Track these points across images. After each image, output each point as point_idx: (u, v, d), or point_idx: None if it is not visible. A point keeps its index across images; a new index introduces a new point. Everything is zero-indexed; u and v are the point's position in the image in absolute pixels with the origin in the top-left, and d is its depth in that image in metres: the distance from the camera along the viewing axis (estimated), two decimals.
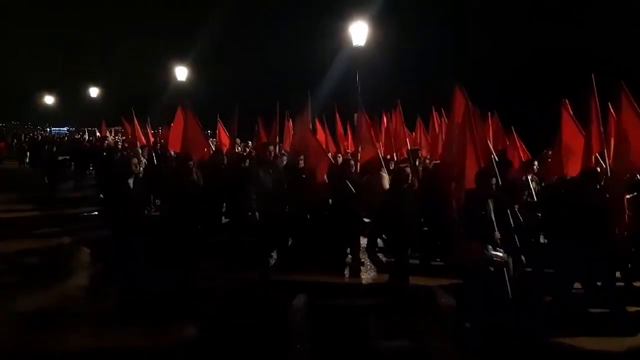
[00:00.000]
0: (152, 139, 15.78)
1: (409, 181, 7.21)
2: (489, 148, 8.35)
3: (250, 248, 8.97)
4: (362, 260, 9.13)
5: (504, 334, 5.87)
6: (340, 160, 10.12)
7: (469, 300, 6.19)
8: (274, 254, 8.56)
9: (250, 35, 46.63)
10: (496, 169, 6.84)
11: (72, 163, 19.84)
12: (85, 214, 13.89)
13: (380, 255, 9.66)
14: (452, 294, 7.07)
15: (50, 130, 49.77)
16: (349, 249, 9.11)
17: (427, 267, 8.56)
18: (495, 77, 32.02)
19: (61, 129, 52.03)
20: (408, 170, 7.24)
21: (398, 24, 33.44)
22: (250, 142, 17.19)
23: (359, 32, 18.38)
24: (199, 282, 7.89)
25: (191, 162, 9.27)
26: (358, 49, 18.80)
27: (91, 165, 19.60)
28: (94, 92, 44.62)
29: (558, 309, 6.67)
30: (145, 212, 8.31)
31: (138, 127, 15.97)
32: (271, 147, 8.57)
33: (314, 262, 8.93)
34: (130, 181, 7.87)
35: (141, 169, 8.34)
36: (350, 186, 9.16)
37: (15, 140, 33.26)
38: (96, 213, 13.70)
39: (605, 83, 7.86)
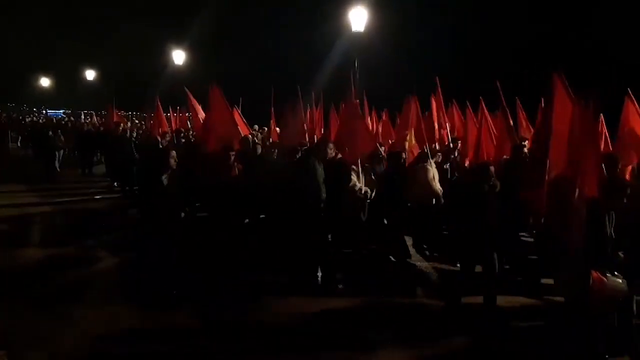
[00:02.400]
0: (175, 125, 14.50)
1: (492, 181, 6.05)
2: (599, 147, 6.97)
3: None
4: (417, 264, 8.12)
5: None
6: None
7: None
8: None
9: (249, 19, 45.05)
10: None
11: (76, 150, 18.60)
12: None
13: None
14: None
15: (47, 113, 47.94)
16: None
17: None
18: (493, 62, 31.31)
19: (57, 111, 50.16)
20: (492, 168, 6.12)
21: (398, 10, 32.40)
22: (265, 129, 16.10)
23: (358, 17, 17.55)
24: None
25: (232, 153, 8.21)
26: (357, 34, 18.00)
27: (99, 152, 18.23)
28: (90, 74, 43.08)
29: None
30: (183, 214, 7.08)
31: (161, 112, 14.71)
32: (332, 145, 7.48)
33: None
34: (165, 178, 6.72)
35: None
36: (400, 181, 8.28)
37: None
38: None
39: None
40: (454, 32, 35.11)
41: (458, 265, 7.36)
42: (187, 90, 12.80)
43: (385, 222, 9.13)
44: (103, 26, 47.78)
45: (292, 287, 6.92)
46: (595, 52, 26.30)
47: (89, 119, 25.86)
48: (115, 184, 14.54)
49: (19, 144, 26.73)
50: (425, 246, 8.57)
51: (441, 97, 10.00)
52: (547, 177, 6.06)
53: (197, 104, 12.80)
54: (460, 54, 32.95)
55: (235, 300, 6.48)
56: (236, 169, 8.34)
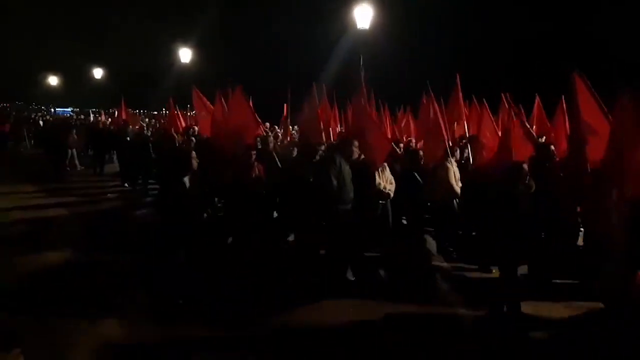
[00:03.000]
0: (183, 124, 14.35)
1: (528, 180, 5.84)
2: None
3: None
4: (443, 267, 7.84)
5: None
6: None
7: None
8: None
9: (254, 16, 44.86)
10: None
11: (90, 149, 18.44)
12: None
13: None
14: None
15: (55, 111, 47.94)
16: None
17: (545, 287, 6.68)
18: (496, 60, 31.08)
19: (65, 109, 50.13)
20: (526, 167, 5.94)
21: (402, 7, 32.20)
22: (275, 127, 15.98)
23: (363, 15, 17.52)
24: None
25: (254, 152, 8.08)
26: (362, 31, 17.97)
27: (113, 151, 18.01)
28: (97, 73, 43.04)
29: None
30: (205, 215, 6.95)
31: (175, 111, 14.52)
32: (357, 143, 7.30)
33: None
34: (187, 179, 6.58)
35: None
36: (419, 179, 8.23)
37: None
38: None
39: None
40: (456, 29, 34.89)
41: (491, 269, 7.28)
42: (196, 88, 12.66)
43: (405, 221, 9.10)
44: (110, 25, 47.61)
45: (310, 291, 6.70)
46: (596, 50, 26.07)
47: (100, 117, 25.44)
48: (126, 184, 14.36)
49: (31, 143, 26.41)
50: (451, 248, 8.27)
51: (460, 94, 9.77)
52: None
53: (207, 102, 12.63)
54: (463, 51, 32.71)
55: (249, 306, 6.29)
56: (257, 169, 8.24)
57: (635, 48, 22.80)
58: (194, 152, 6.86)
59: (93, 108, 44.21)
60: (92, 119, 32.06)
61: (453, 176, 7.96)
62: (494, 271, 7.19)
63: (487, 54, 30.77)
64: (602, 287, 5.16)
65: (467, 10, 34.58)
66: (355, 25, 18.04)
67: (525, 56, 29.93)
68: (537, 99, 11.60)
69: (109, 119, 24.54)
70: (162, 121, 20.43)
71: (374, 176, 7.54)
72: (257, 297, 6.50)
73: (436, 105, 8.77)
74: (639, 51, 22.68)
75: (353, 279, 6.92)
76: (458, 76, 9.82)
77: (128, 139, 13.99)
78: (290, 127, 15.18)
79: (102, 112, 24.92)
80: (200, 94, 12.66)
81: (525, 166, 5.94)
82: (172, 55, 33.56)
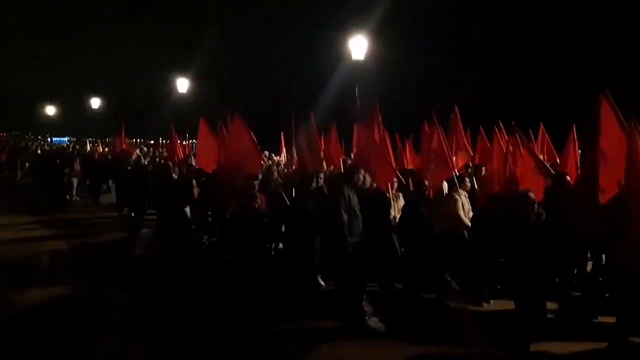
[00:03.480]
0: (182, 154, 14.15)
1: (537, 209, 5.61)
2: None
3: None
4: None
5: None
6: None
7: None
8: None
9: (249, 48, 45.18)
10: None
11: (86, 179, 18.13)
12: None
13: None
14: None
15: (52, 140, 47.68)
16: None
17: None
18: (497, 94, 31.09)
19: (62, 138, 49.89)
20: (532, 195, 5.79)
21: (397, 38, 32.47)
22: (273, 155, 15.85)
23: (358, 46, 17.26)
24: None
25: (256, 182, 7.89)
26: (357, 63, 17.66)
27: (110, 181, 17.74)
28: (95, 102, 42.95)
29: None
30: (205, 244, 6.73)
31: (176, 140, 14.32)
32: (363, 171, 7.12)
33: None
34: (187, 210, 6.37)
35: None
36: (424, 210, 7.85)
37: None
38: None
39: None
40: (453, 60, 35.17)
41: (483, 302, 7.09)
42: (203, 119, 12.47)
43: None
44: (108, 54, 47.79)
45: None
46: (595, 52, 26.16)
47: (98, 147, 25.13)
48: (126, 209, 13.99)
49: (24, 172, 26.07)
50: (449, 279, 8.00)
51: (460, 123, 9.73)
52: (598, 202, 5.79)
53: (213, 134, 12.43)
54: (460, 80, 32.90)
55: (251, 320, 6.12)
56: (259, 199, 8.03)
57: (635, 50, 22.90)
58: (194, 181, 6.69)
59: (90, 137, 43.97)
60: (88, 148, 31.76)
61: (462, 208, 7.73)
62: (485, 305, 7.15)
63: (486, 82, 30.87)
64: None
65: (464, 38, 34.93)
66: (350, 56, 17.98)
67: (523, 62, 29.98)
68: (542, 127, 11.43)
69: (106, 149, 24.32)
70: (160, 150, 20.17)
71: (389, 205, 7.32)
72: (258, 312, 6.41)
73: (441, 134, 8.63)
74: (638, 53, 22.82)
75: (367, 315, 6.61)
76: (457, 108, 9.76)
77: (130, 168, 13.70)
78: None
79: (100, 142, 24.48)
80: (207, 125, 12.45)
81: (532, 194, 5.79)
82: (169, 85, 33.66)
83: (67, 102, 47.85)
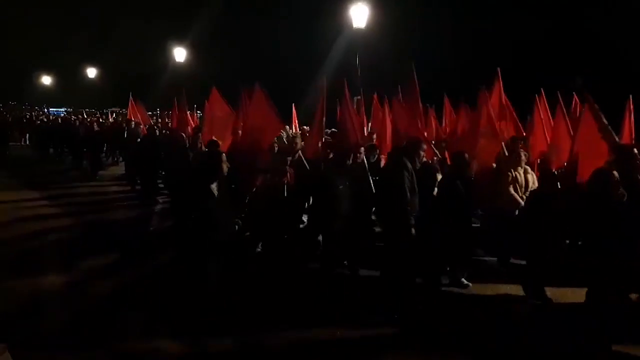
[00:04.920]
0: (192, 125, 13.13)
1: (621, 189, 4.86)
2: None
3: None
4: None
5: None
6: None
7: None
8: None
9: (248, 16, 43.54)
10: None
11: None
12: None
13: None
14: None
15: (49, 111, 46.18)
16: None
17: None
18: (497, 58, 30.10)
19: (59, 109, 48.37)
20: (616, 173, 4.96)
21: (399, 6, 31.24)
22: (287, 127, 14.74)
23: (359, 14, 17.02)
24: None
25: (290, 159, 7.05)
26: (358, 31, 17.43)
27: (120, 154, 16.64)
28: (91, 72, 41.58)
29: None
30: (236, 227, 5.88)
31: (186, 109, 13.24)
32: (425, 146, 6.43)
33: None
34: (214, 187, 5.57)
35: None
36: (462, 188, 6.71)
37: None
38: None
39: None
40: (455, 27, 33.90)
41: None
42: (215, 89, 11.46)
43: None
44: (104, 24, 45.96)
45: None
46: (604, 51, 25.32)
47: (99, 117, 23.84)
48: (137, 186, 13.08)
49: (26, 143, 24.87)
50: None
51: (502, 91, 8.68)
52: None
53: (226, 105, 11.42)
54: (462, 50, 31.83)
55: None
56: (288, 175, 7.21)
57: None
58: (224, 155, 5.77)
59: (86, 108, 42.59)
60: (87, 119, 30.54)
61: (515, 185, 6.94)
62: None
63: (488, 48, 29.82)
64: None
65: (465, 8, 33.68)
66: (351, 24, 17.48)
67: (526, 54, 29.02)
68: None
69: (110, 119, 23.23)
70: (167, 120, 19.10)
71: (436, 182, 6.51)
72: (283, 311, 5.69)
73: (489, 104, 7.68)
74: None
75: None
76: (499, 70, 8.73)
77: (139, 140, 12.69)
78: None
79: (99, 113, 23.14)
80: (220, 95, 11.45)
81: (616, 173, 5.01)
82: (166, 55, 32.45)
83: (63, 73, 46.36)
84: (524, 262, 6.52)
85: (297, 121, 15.27)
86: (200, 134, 10.66)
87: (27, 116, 32.84)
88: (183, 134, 10.76)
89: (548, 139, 7.98)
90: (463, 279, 6.53)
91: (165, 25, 38.23)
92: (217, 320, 5.23)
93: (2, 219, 9.77)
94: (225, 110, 11.24)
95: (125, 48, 41.52)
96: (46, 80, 46.07)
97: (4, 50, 43.50)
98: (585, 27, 26.44)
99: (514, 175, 6.99)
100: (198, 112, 18.43)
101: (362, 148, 7.21)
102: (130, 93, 16.31)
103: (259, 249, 7.45)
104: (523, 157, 7.13)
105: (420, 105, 8.11)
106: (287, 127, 13.78)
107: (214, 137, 10.11)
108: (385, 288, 6.16)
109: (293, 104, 15.46)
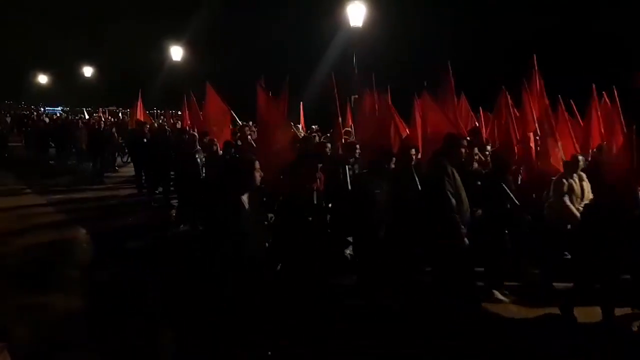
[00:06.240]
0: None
1: None
2: None
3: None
4: None
5: None
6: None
7: None
8: None
9: (245, 14, 42.86)
10: None
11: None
12: None
13: None
14: None
15: (45, 110, 45.21)
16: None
17: None
18: (493, 57, 29.75)
19: (55, 108, 47.38)
20: None
21: (396, 5, 30.75)
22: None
23: (356, 12, 16.26)
24: None
25: (321, 165, 6.50)
26: (356, 29, 16.67)
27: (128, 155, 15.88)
28: (88, 71, 40.67)
29: None
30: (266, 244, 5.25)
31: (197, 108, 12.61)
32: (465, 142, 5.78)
33: None
34: (245, 198, 4.85)
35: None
36: (509, 192, 6.20)
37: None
38: None
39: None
40: (452, 25, 33.49)
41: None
42: (210, 85, 10.94)
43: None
44: (101, 22, 45.06)
45: None
46: (600, 44, 25.02)
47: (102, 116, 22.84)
48: (144, 190, 12.36)
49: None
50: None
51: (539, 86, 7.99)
52: None
53: (223, 102, 10.87)
54: (462, 49, 31.41)
55: None
56: (319, 180, 6.66)
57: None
58: (257, 163, 4.80)
59: (83, 107, 41.77)
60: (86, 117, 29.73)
61: (571, 195, 6.12)
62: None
63: (487, 47, 29.46)
64: None
65: (462, 6, 33.24)
66: (348, 23, 16.67)
67: (525, 50, 28.68)
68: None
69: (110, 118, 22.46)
70: (172, 120, 18.43)
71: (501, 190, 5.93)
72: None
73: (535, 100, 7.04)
74: None
75: None
76: (535, 58, 7.85)
77: (145, 140, 12.05)
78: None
79: (100, 111, 22.17)
80: (214, 92, 10.89)
81: None
82: (163, 53, 31.75)
83: (59, 72, 45.37)
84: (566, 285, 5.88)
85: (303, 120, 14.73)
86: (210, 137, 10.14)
87: (29, 115, 31.98)
88: (195, 134, 10.09)
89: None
90: (499, 293, 6.07)
91: (162, 24, 37.51)
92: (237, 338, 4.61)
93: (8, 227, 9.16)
94: (220, 107, 10.76)
95: (121, 47, 40.76)
96: (42, 79, 45.11)
97: (0, 50, 42.55)
98: (591, 26, 26.14)
99: (569, 182, 6.16)
100: None
101: (413, 149, 6.68)
102: (140, 91, 15.64)
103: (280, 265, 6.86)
104: (581, 162, 6.27)
105: (455, 103, 7.59)
106: (299, 125, 13.22)
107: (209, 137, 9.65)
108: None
109: (301, 103, 14.92)
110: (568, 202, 6.08)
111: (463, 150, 5.53)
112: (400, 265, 6.29)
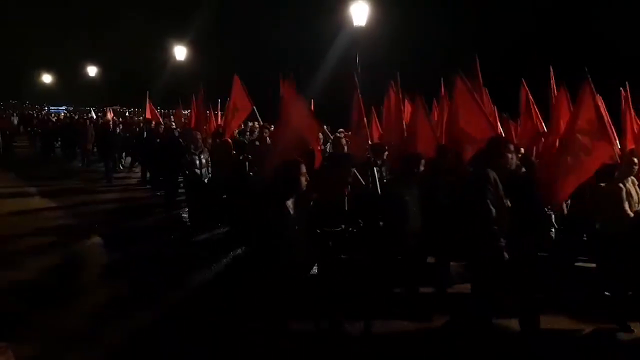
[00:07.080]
0: (213, 124, 12.12)
1: None
2: None
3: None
4: None
5: None
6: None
7: None
8: None
9: (249, 13, 42.47)
10: None
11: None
12: None
13: None
14: None
15: (49, 109, 44.76)
16: None
17: None
18: (494, 56, 29.43)
19: (59, 108, 46.88)
20: None
21: (399, 4, 30.43)
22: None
23: (359, 12, 16.49)
24: None
25: (353, 169, 6.10)
26: (359, 29, 16.87)
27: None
28: (92, 71, 40.24)
29: None
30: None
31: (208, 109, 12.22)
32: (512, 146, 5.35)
33: None
34: (290, 203, 4.45)
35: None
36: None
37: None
38: None
39: None
40: (455, 25, 33.18)
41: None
42: (237, 77, 10.51)
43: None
44: (105, 22, 44.66)
45: None
46: (596, 45, 24.77)
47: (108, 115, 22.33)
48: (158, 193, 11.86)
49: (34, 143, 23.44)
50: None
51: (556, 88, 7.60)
52: None
53: (248, 97, 10.42)
54: (461, 49, 31.07)
55: None
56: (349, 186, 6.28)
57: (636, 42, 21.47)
58: (303, 165, 4.34)
59: (87, 106, 41.38)
60: (93, 116, 29.22)
61: (630, 201, 5.51)
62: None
63: (487, 47, 29.15)
64: None
65: (466, 4, 32.94)
66: (351, 22, 16.88)
67: (525, 50, 28.35)
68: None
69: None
70: (183, 120, 18.01)
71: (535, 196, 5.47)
72: None
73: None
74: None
75: None
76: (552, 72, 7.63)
77: (158, 140, 11.58)
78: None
79: (108, 110, 21.68)
80: (242, 86, 10.43)
81: None
82: (167, 53, 31.38)
83: (63, 71, 44.95)
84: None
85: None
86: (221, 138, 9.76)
87: (36, 115, 31.56)
88: (198, 133, 9.63)
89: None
90: None
91: (165, 24, 37.15)
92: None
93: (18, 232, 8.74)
94: (244, 104, 10.37)
95: (125, 46, 40.39)
96: (46, 78, 44.61)
97: (4, 49, 42.11)
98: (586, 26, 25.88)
99: (626, 188, 5.54)
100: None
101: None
102: (147, 92, 15.24)
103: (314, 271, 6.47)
104: (635, 166, 5.65)
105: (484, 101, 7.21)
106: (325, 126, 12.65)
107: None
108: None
109: (312, 100, 14.49)
110: (628, 209, 5.49)
111: (510, 155, 4.88)
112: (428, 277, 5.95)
